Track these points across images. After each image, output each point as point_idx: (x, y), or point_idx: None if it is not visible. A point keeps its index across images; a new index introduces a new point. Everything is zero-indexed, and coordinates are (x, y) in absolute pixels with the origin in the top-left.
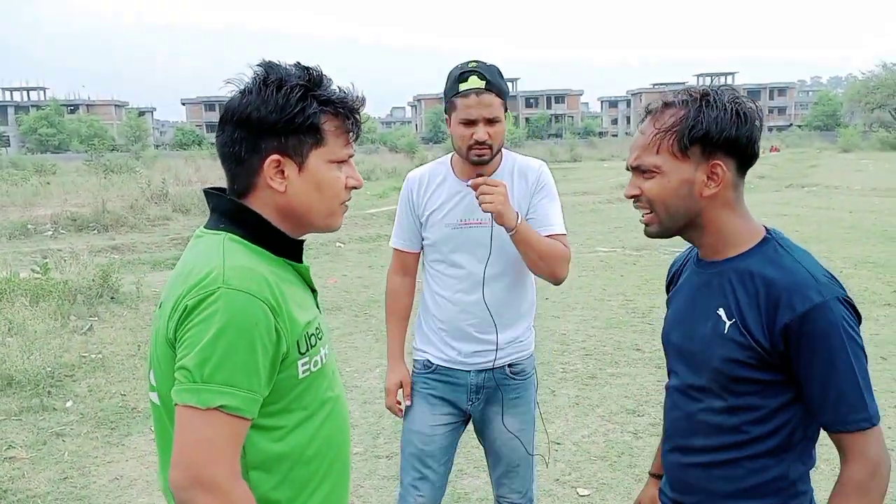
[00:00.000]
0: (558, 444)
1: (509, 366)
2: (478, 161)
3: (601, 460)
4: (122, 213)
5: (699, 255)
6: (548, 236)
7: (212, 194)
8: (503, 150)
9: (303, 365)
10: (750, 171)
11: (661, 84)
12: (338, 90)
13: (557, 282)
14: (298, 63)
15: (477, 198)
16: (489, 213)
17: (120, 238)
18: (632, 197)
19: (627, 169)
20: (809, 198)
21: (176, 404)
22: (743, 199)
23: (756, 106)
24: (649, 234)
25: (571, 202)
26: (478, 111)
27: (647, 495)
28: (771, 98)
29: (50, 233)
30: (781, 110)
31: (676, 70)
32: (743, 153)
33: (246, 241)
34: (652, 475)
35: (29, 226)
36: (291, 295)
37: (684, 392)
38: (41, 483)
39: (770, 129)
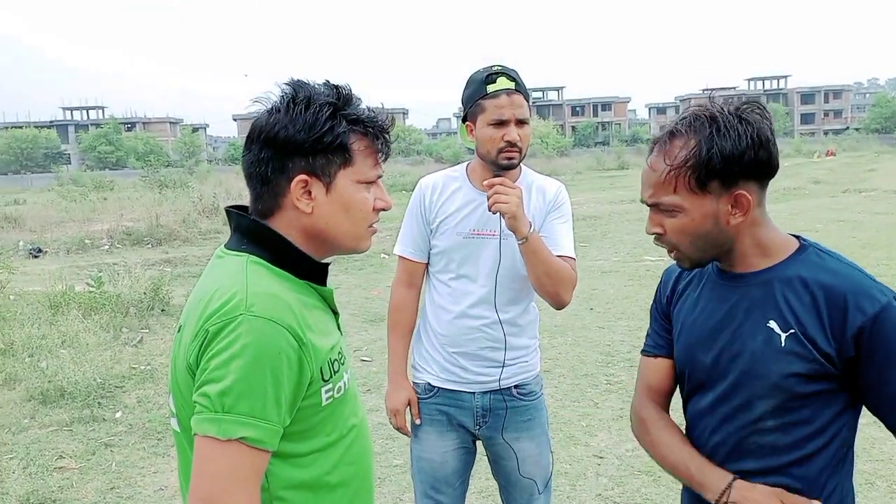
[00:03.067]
0: (601, 457)
1: (516, 387)
2: (507, 165)
3: (645, 475)
4: (174, 227)
5: (721, 267)
6: (558, 256)
7: (234, 213)
8: (522, 165)
9: (326, 392)
10: (805, 176)
11: (711, 89)
12: (367, 110)
13: (560, 305)
14: (328, 81)
15: (489, 198)
16: (500, 222)
17: (172, 251)
18: (653, 234)
19: (642, 202)
20: (867, 203)
21: (195, 434)
22: (766, 210)
23: (766, 114)
24: (682, 268)
25: (618, 210)
26: (510, 111)
27: None
28: (826, 101)
29: (106, 247)
30: (837, 113)
31: (728, 73)
32: (763, 173)
33: (268, 264)
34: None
35: (86, 240)
36: (314, 320)
37: (726, 414)
38: (89, 493)
39: (826, 132)
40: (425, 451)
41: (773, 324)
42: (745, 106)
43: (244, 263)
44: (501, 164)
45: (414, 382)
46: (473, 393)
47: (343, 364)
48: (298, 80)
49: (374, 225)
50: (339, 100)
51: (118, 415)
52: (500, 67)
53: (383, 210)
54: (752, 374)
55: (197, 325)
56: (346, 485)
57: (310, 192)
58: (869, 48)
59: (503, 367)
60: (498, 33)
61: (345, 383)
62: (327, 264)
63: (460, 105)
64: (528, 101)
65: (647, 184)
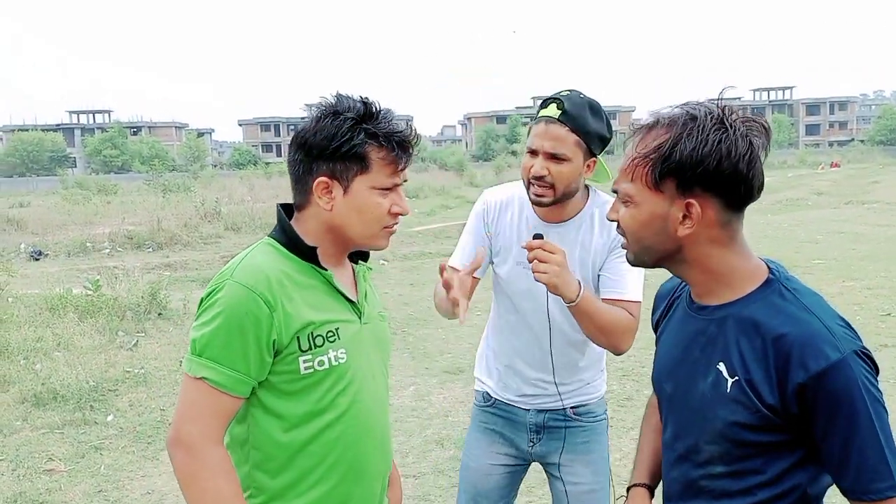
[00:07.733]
0: None
1: (573, 407)
2: (535, 201)
3: None
4: (176, 231)
5: (691, 295)
6: (617, 300)
7: (279, 206)
8: (592, 191)
9: (304, 362)
10: (808, 188)
11: (716, 100)
12: (388, 124)
13: (617, 353)
14: (363, 97)
15: (530, 261)
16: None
17: (173, 255)
18: (611, 220)
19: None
20: (869, 215)
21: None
22: (739, 235)
23: (762, 133)
24: (628, 262)
25: None
26: (539, 141)
27: None
28: (831, 112)
29: (107, 250)
30: (842, 125)
31: (734, 83)
32: (729, 190)
33: (279, 246)
34: (639, 486)
35: (88, 244)
36: (303, 295)
37: (680, 453)
38: (76, 496)
39: (831, 143)
40: (472, 460)
41: (721, 366)
42: (740, 116)
43: (258, 244)
44: (530, 198)
45: (476, 390)
46: (528, 409)
47: (334, 342)
48: (339, 94)
49: (391, 226)
50: (365, 114)
51: (109, 418)
52: (566, 93)
53: (399, 214)
54: (700, 416)
55: None
56: (323, 455)
57: (330, 192)
58: (875, 60)
59: (559, 396)
60: (503, 42)
61: (331, 359)
62: (314, 248)
63: (466, 112)
64: (581, 137)
65: (618, 169)
